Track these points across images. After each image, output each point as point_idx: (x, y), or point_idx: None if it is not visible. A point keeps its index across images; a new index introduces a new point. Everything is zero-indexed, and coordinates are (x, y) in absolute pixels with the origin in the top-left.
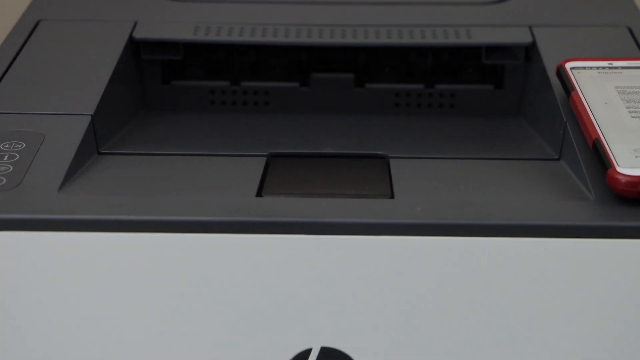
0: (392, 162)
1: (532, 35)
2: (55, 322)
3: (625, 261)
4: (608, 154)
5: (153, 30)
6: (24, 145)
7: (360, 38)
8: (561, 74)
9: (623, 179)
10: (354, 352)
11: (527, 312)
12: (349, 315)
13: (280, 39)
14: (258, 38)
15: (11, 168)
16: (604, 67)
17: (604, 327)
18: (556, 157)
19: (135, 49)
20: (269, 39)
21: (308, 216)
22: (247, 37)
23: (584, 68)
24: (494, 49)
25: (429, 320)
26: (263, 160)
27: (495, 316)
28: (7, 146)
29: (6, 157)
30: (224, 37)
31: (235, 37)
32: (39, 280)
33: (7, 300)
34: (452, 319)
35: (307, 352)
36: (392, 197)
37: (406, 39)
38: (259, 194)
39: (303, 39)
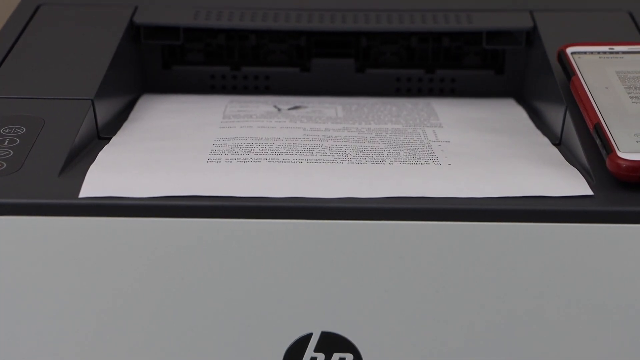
0: None
1: (533, 20)
2: (55, 308)
3: (627, 247)
4: (609, 139)
5: (153, 14)
6: (25, 129)
7: (360, 23)
8: (562, 58)
9: (624, 164)
10: (354, 337)
11: (526, 298)
12: (349, 300)
13: (281, 23)
14: (258, 23)
15: (11, 153)
16: (604, 52)
17: (602, 312)
18: (557, 142)
19: (136, 33)
20: (269, 23)
21: (307, 202)
22: (247, 22)
23: (585, 53)
24: (494, 34)
25: (429, 306)
26: None
27: (494, 300)
28: (7, 131)
29: (6, 141)
30: (224, 22)
31: (236, 22)
32: (39, 265)
33: (7, 286)
34: (453, 304)
35: (308, 337)
36: None
37: (407, 24)
38: None
39: (303, 23)
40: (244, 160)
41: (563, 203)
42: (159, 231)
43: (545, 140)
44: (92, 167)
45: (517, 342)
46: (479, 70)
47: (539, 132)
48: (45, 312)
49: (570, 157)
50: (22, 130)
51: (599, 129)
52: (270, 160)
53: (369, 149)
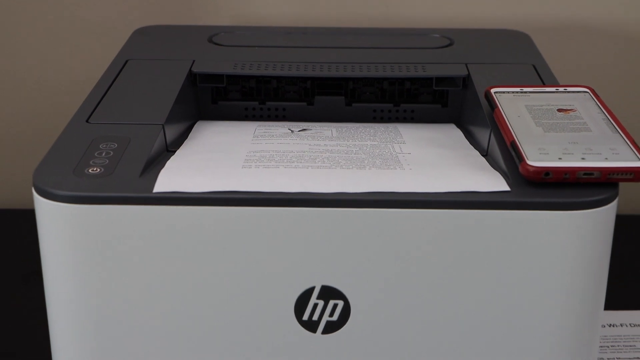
0: None
1: (468, 69)
2: (135, 276)
3: (533, 227)
4: (521, 152)
5: (206, 66)
6: (116, 145)
7: (349, 71)
8: (488, 96)
9: (531, 169)
10: (344, 289)
11: (461, 262)
12: (340, 264)
13: (293, 72)
14: (278, 71)
15: (107, 161)
16: (517, 92)
17: (515, 273)
18: (484, 154)
19: (193, 79)
20: (285, 72)
21: (311, 195)
22: (270, 71)
23: (504, 92)
24: (441, 79)
25: (396, 267)
26: None
27: (441, 262)
28: (104, 146)
29: (104, 153)
30: (254, 71)
31: (262, 71)
32: (123, 240)
33: (98, 257)
34: (411, 266)
35: (311, 290)
36: None
37: (380, 72)
38: None
39: (309, 72)
40: (267, 166)
41: (489, 196)
42: (208, 216)
43: (476, 152)
44: (163, 171)
45: (457, 293)
46: (430, 104)
47: (472, 147)
48: (127, 279)
49: (494, 164)
50: (114, 146)
51: (513, 145)
52: (286, 166)
53: (355, 158)
